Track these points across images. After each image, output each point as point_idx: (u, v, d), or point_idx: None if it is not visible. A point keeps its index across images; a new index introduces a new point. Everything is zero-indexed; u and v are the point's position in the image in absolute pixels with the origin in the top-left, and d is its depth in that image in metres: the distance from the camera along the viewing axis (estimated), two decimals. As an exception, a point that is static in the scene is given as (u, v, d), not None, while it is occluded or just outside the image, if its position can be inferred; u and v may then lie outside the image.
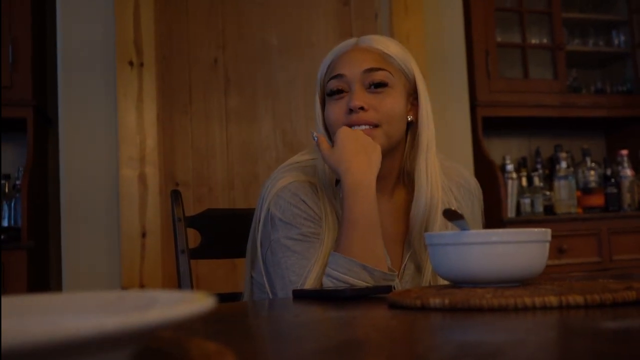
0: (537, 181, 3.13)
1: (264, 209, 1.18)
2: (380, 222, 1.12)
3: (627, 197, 3.16)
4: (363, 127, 1.16)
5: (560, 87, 3.19)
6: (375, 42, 1.23)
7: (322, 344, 0.57)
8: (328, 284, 1.07)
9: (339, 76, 1.21)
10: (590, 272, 2.88)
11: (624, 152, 3.21)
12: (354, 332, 0.65)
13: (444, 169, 1.26)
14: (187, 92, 2.79)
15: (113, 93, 2.55)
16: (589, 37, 3.45)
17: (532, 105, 3.12)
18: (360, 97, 1.17)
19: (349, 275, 1.06)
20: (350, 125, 1.17)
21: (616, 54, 3.48)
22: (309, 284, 1.09)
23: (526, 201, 3.09)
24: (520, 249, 0.84)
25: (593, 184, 3.15)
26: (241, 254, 1.29)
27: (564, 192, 3.07)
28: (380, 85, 1.19)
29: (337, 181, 1.20)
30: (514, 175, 3.11)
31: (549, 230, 0.87)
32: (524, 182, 3.14)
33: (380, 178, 1.15)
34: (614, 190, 3.15)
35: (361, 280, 1.06)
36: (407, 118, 1.23)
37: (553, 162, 3.26)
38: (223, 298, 1.32)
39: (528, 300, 0.68)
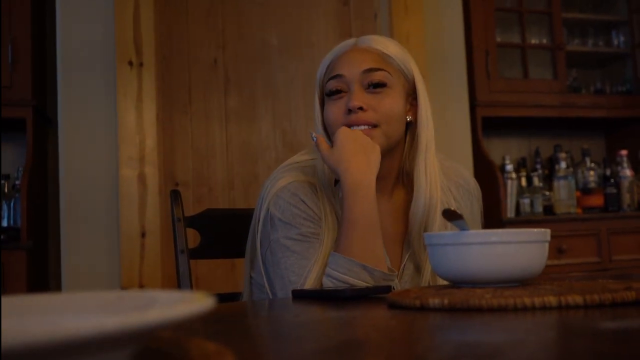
0: (536, 181, 3.13)
1: (264, 208, 1.18)
2: (380, 222, 1.12)
3: (626, 198, 3.16)
4: (362, 127, 1.16)
5: (560, 87, 3.19)
6: (375, 43, 1.23)
7: (322, 344, 0.57)
8: (328, 284, 1.07)
9: (338, 76, 1.21)
10: (590, 272, 2.88)
11: (624, 152, 3.21)
12: (354, 332, 0.65)
13: (443, 169, 1.26)
14: (187, 92, 2.79)
15: (113, 93, 2.55)
16: (589, 37, 3.45)
17: (531, 105, 3.12)
18: (359, 98, 1.17)
19: (349, 275, 1.06)
20: (350, 126, 1.17)
21: (616, 54, 3.48)
22: (309, 284, 1.09)
23: (526, 201, 3.09)
24: (520, 249, 0.84)
25: (592, 184, 3.15)
26: (241, 254, 1.28)
27: (563, 192, 3.07)
28: (379, 85, 1.19)
29: (337, 181, 1.20)
30: (514, 175, 3.11)
31: (548, 231, 0.88)
32: (524, 182, 3.14)
33: (379, 178, 1.15)
34: (613, 190, 3.15)
35: (361, 280, 1.06)
36: (407, 118, 1.23)
37: (552, 162, 3.26)
38: (222, 298, 1.32)
39: (527, 301, 0.68)
